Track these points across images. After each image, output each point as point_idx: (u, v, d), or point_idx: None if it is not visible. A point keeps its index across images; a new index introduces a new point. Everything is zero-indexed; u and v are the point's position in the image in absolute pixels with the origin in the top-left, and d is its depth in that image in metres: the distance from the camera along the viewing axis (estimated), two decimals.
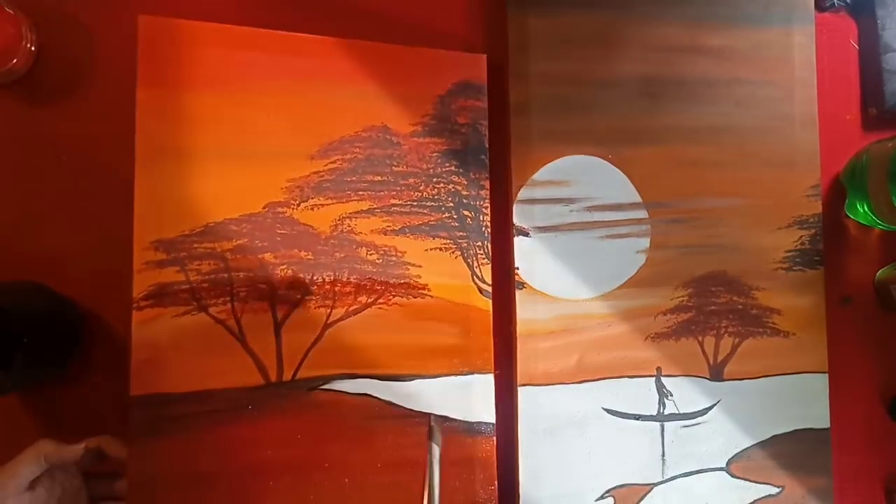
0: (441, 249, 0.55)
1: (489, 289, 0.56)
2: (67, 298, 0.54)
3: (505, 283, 0.58)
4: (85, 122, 0.55)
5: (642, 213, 0.59)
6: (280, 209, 0.52)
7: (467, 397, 0.55)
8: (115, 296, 0.54)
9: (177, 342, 0.49)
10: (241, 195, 0.51)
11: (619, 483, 0.58)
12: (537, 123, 0.58)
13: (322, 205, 0.53)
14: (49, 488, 0.47)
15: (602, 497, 0.57)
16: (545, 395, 0.57)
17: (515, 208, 0.58)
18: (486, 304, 0.56)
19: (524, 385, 0.57)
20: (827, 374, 0.61)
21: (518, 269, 0.57)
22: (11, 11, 0.51)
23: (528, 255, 0.57)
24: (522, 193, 0.58)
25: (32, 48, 0.54)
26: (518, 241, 0.57)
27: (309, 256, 0.53)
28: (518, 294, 0.57)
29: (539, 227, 0.58)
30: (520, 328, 0.57)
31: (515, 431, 0.56)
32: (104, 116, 0.55)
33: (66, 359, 0.53)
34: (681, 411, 0.59)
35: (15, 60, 0.53)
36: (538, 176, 0.58)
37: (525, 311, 0.57)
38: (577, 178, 0.59)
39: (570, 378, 0.57)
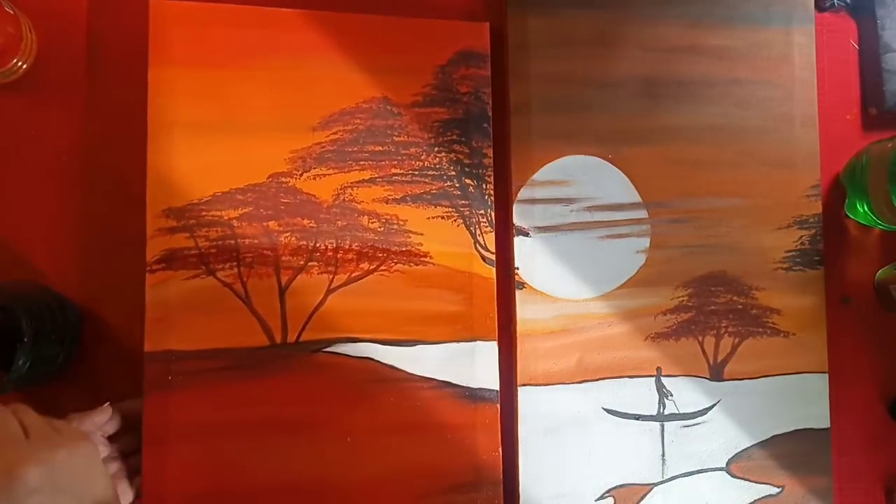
0: (443, 218, 0.56)
1: (492, 256, 0.57)
2: (67, 298, 0.54)
3: (504, 282, 0.58)
4: (85, 122, 0.55)
5: (642, 213, 0.59)
6: (283, 179, 0.54)
7: (470, 364, 0.55)
8: (115, 295, 0.54)
9: (187, 303, 0.52)
10: (246, 166, 0.53)
11: (619, 483, 0.58)
12: (537, 123, 0.58)
13: (324, 175, 0.55)
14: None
15: (602, 497, 0.57)
16: (545, 395, 0.57)
17: (515, 208, 0.58)
18: (490, 271, 0.56)
19: (524, 385, 0.57)
20: (827, 374, 0.61)
21: (518, 269, 0.57)
22: (11, 11, 0.52)
23: (528, 255, 0.57)
24: (522, 193, 0.58)
25: (32, 48, 0.54)
26: (518, 241, 0.57)
27: (311, 224, 0.54)
28: (518, 294, 0.57)
29: (539, 227, 0.58)
30: (520, 328, 0.57)
31: (515, 431, 0.56)
32: (104, 116, 0.55)
33: (66, 359, 0.53)
34: (681, 411, 0.59)
35: (15, 60, 0.53)
36: (538, 176, 0.58)
37: (525, 311, 0.57)
38: (577, 178, 0.59)
39: (570, 378, 0.57)
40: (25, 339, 0.47)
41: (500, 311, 0.56)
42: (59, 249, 0.55)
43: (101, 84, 0.55)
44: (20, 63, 0.53)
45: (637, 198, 0.59)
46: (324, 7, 0.56)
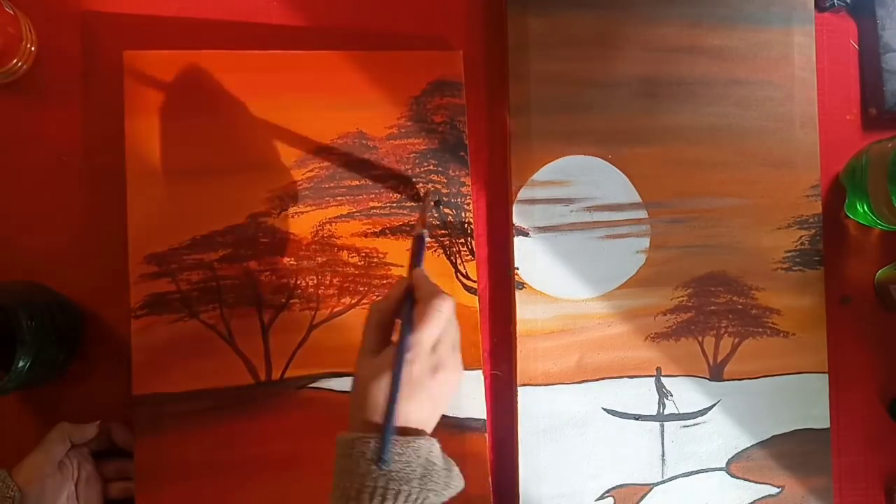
0: None
1: (474, 285, 0.56)
2: (67, 299, 0.54)
3: (504, 282, 0.58)
4: (85, 123, 0.55)
5: (642, 213, 0.59)
6: (262, 219, 0.55)
7: (456, 393, 0.55)
8: (114, 296, 0.54)
9: (172, 346, 0.53)
10: (224, 208, 0.54)
11: (619, 483, 0.58)
12: (537, 123, 0.58)
13: (301, 212, 0.55)
14: (70, 472, 0.49)
15: (602, 497, 0.57)
16: (545, 395, 0.57)
17: (515, 208, 0.58)
18: (472, 300, 0.56)
19: (524, 385, 0.57)
20: (827, 374, 0.61)
21: (518, 269, 0.57)
22: (11, 11, 0.51)
23: (528, 255, 0.57)
24: (522, 193, 0.58)
25: (32, 48, 0.54)
26: (518, 241, 0.57)
27: (291, 262, 0.55)
28: (518, 294, 0.57)
29: (539, 227, 0.58)
30: (520, 328, 0.57)
31: (515, 431, 0.56)
32: (104, 116, 0.55)
33: (66, 359, 0.53)
34: (681, 411, 0.59)
35: (15, 60, 0.53)
36: (538, 176, 0.58)
37: (525, 311, 0.57)
38: (577, 178, 0.59)
39: (570, 378, 0.57)
40: (25, 340, 0.47)
41: (497, 313, 0.56)
42: (59, 249, 0.55)
43: (100, 84, 0.55)
44: (20, 63, 0.53)
45: (637, 198, 0.59)
46: (295, 47, 0.56)
